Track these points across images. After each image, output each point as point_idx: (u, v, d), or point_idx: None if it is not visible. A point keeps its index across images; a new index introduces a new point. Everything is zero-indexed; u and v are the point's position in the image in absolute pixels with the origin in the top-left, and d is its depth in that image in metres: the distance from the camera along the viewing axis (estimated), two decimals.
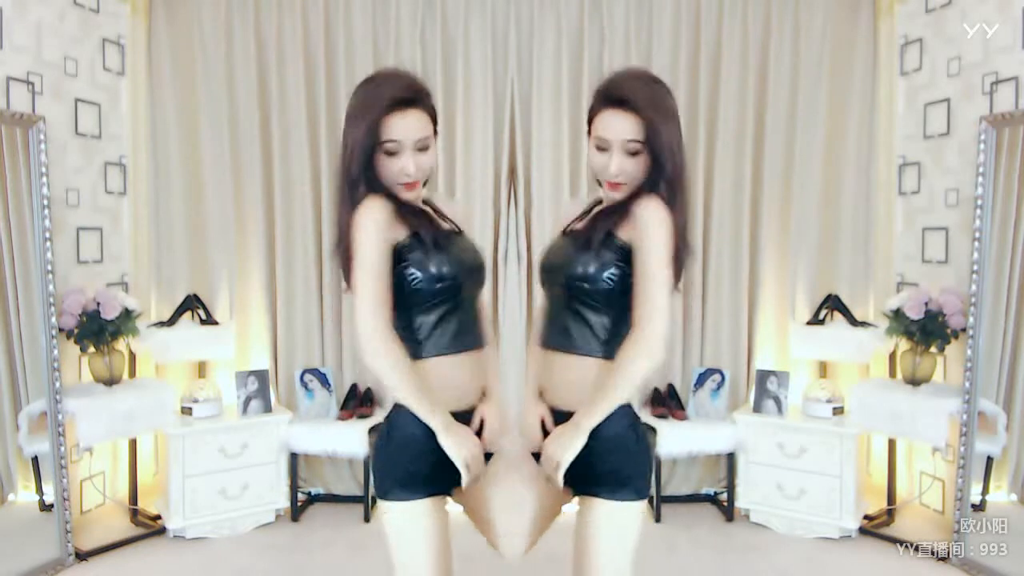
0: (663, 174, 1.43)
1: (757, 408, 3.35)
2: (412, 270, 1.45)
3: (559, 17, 3.49)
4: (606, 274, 1.45)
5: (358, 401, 3.44)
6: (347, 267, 1.46)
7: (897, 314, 3.12)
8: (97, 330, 2.98)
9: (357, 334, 1.39)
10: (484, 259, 1.64)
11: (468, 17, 3.49)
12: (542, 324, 1.61)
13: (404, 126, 1.43)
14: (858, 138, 3.51)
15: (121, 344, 3.15)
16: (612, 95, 1.46)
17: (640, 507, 1.48)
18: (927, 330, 3.01)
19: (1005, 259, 2.82)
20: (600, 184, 1.55)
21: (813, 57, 3.48)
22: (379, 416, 3.39)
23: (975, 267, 2.86)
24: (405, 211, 1.47)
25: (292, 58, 3.48)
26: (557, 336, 1.54)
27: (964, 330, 2.94)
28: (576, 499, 1.54)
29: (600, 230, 1.47)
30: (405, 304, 1.48)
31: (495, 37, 3.51)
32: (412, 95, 1.45)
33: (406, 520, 1.46)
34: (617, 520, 1.45)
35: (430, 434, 1.42)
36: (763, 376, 3.37)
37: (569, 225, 1.65)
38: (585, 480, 1.46)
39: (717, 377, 3.43)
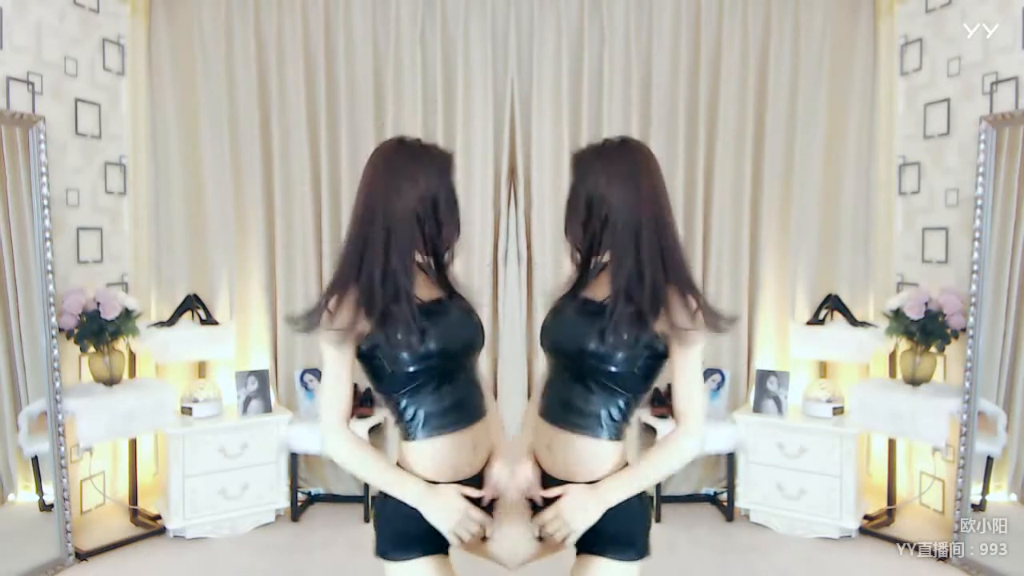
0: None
1: (757, 408, 3.35)
2: (381, 361, 1.41)
3: (559, 17, 3.49)
4: (639, 363, 1.41)
5: (358, 401, 3.44)
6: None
7: (897, 314, 3.12)
8: (97, 330, 2.98)
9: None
10: (477, 324, 1.55)
11: (468, 17, 3.49)
12: (547, 396, 1.53)
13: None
14: (858, 138, 3.51)
15: (121, 344, 3.15)
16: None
17: (637, 569, 1.46)
18: (927, 330, 3.01)
19: (1005, 259, 2.82)
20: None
21: (813, 57, 3.48)
22: (379, 416, 3.40)
23: (975, 267, 2.86)
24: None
25: (292, 58, 3.48)
26: (564, 413, 1.47)
27: (964, 330, 2.94)
28: (575, 555, 1.51)
29: (643, 318, 1.37)
30: (390, 389, 1.45)
31: (495, 37, 3.51)
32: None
33: None
34: None
35: None
36: (763, 376, 3.37)
37: (580, 287, 1.54)
38: (590, 540, 1.43)
39: (717, 377, 3.43)
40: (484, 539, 1.52)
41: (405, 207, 1.38)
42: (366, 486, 3.35)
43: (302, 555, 3.02)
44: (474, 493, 1.45)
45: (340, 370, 1.41)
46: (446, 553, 1.50)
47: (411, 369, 1.41)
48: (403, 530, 1.43)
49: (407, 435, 1.47)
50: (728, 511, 3.36)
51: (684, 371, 1.41)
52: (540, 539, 1.50)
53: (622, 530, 1.43)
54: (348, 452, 1.41)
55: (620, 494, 1.40)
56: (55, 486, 2.84)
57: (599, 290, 1.47)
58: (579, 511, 1.39)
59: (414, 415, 1.45)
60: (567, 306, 1.53)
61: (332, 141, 3.51)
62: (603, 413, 1.44)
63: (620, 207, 1.38)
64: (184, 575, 2.88)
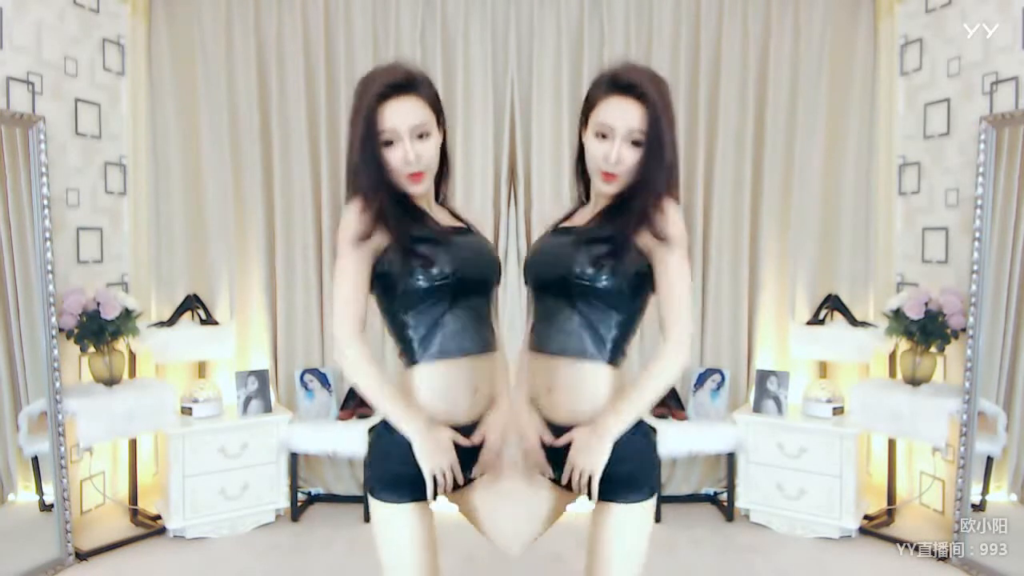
0: (663, 170, 1.39)
1: (757, 408, 3.35)
2: (396, 273, 1.42)
3: (559, 17, 3.49)
4: (621, 277, 1.41)
5: (358, 401, 3.44)
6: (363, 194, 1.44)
7: (897, 314, 3.12)
8: (97, 330, 2.98)
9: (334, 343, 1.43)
10: (495, 258, 1.57)
11: (468, 17, 3.49)
12: (537, 327, 1.53)
13: (398, 113, 1.39)
14: (858, 138, 3.51)
15: (121, 344, 3.15)
16: (620, 82, 1.41)
17: (652, 503, 1.47)
18: (927, 330, 3.01)
19: (1005, 259, 2.82)
20: (579, 181, 1.57)
21: (813, 57, 3.48)
22: (379, 416, 3.39)
23: (975, 267, 2.86)
24: (395, 212, 1.41)
25: (292, 58, 3.48)
26: (559, 340, 1.46)
27: (964, 330, 2.94)
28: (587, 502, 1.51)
29: (617, 230, 1.41)
30: (397, 307, 1.46)
31: (495, 37, 3.51)
32: (405, 81, 1.42)
33: (392, 521, 1.44)
34: (633, 521, 1.44)
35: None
36: (763, 376, 3.37)
37: (561, 222, 1.59)
38: (603, 488, 1.43)
39: (717, 377, 3.43)
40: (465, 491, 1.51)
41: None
42: (366, 486, 3.35)
43: (302, 555, 3.02)
44: (463, 441, 1.44)
45: (357, 281, 1.41)
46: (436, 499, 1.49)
47: (423, 286, 1.41)
48: (396, 472, 1.44)
49: (409, 358, 1.47)
50: (728, 511, 3.36)
51: (666, 276, 1.40)
52: (568, 487, 1.48)
53: (631, 473, 1.43)
54: (362, 366, 1.41)
55: (620, 423, 1.39)
56: (55, 486, 2.84)
57: (577, 219, 1.54)
58: (587, 453, 1.38)
59: (420, 336, 1.45)
60: (546, 240, 1.58)
61: (332, 141, 3.51)
62: (599, 332, 1.45)
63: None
64: (184, 575, 2.88)
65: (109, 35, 3.32)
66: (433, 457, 1.39)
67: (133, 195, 3.45)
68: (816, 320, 3.44)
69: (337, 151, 3.51)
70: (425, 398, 1.46)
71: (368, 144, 1.39)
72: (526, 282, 1.58)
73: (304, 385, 3.43)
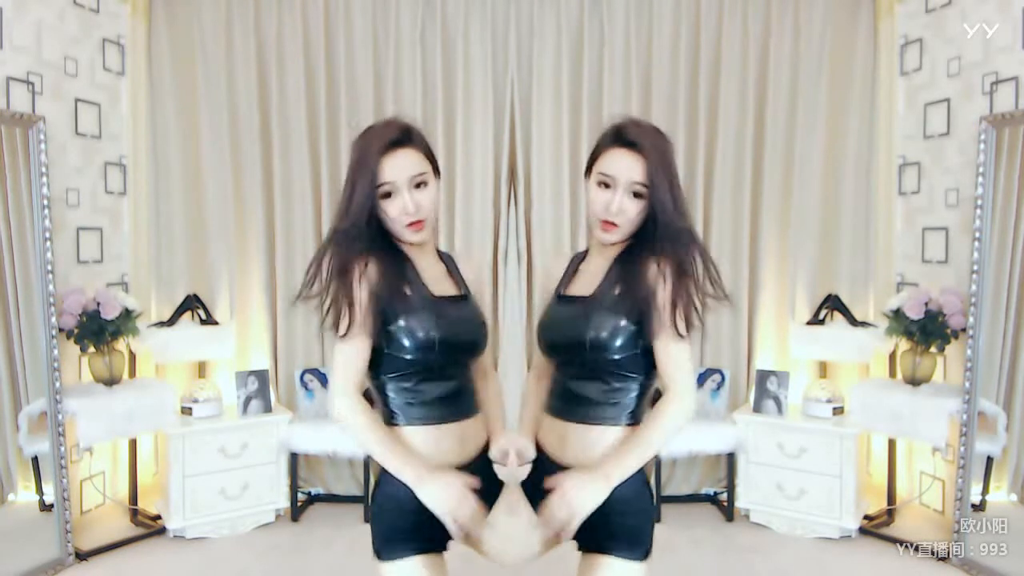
0: (663, 222, 1.40)
1: (757, 408, 3.35)
2: (381, 341, 1.44)
3: (559, 17, 3.49)
4: (639, 343, 1.44)
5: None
6: (335, 311, 1.45)
7: (897, 314, 3.12)
8: (97, 330, 2.98)
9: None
10: (480, 326, 1.56)
11: (468, 17, 3.49)
12: (554, 395, 1.54)
13: (396, 165, 1.42)
14: (858, 138, 3.51)
15: (121, 344, 3.14)
16: (622, 137, 1.44)
17: (645, 567, 1.45)
18: (927, 330, 3.01)
19: (1005, 259, 2.82)
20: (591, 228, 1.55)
21: (813, 57, 3.48)
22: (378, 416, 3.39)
23: (975, 267, 2.86)
24: (391, 272, 1.44)
25: (292, 58, 3.48)
26: (578, 408, 1.48)
27: (964, 330, 2.94)
28: (580, 553, 1.50)
29: (626, 300, 1.43)
30: (380, 371, 1.47)
31: (495, 37, 3.51)
32: (401, 135, 1.44)
33: None
34: None
35: (407, 491, 1.37)
36: (763, 376, 3.37)
37: (565, 287, 1.58)
38: (597, 537, 1.42)
39: (717, 377, 3.43)
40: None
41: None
42: (366, 486, 3.35)
43: (302, 555, 3.02)
44: (473, 482, 1.39)
45: (360, 342, 1.44)
46: (440, 551, 1.48)
47: (406, 357, 1.44)
48: (395, 525, 1.42)
49: (387, 420, 1.48)
50: (728, 511, 3.36)
51: (667, 346, 1.43)
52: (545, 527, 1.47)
53: (632, 527, 1.42)
54: (358, 424, 1.41)
55: (622, 470, 1.37)
56: (55, 486, 2.84)
57: (581, 286, 1.54)
58: (584, 492, 1.34)
59: (401, 402, 1.47)
60: (557, 306, 1.58)
61: (332, 141, 3.51)
62: (619, 403, 1.46)
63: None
64: (184, 575, 2.88)
65: (109, 35, 3.32)
66: (443, 497, 1.34)
67: (133, 195, 3.45)
68: (816, 320, 3.44)
69: (337, 151, 3.51)
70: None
71: (371, 201, 1.41)
72: (539, 346, 1.59)
73: (304, 385, 3.43)
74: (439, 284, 1.53)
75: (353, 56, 3.51)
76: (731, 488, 3.35)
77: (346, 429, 1.42)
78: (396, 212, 1.43)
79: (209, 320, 3.45)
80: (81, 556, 2.89)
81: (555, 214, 3.51)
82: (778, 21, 3.48)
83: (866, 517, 3.22)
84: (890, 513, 3.26)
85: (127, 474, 3.28)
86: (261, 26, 3.49)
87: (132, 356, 3.28)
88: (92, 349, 3.03)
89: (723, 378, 3.42)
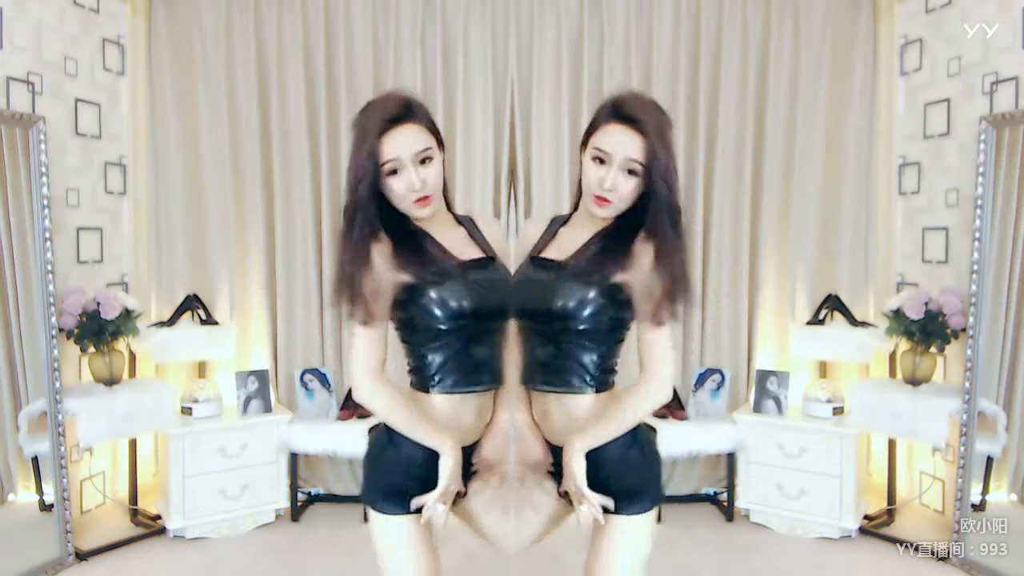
0: (657, 203, 1.39)
1: (757, 408, 3.35)
2: (411, 311, 1.44)
3: (559, 17, 3.49)
4: (606, 316, 1.44)
5: (358, 401, 3.44)
6: (351, 300, 1.42)
7: (897, 314, 3.12)
8: (97, 330, 2.98)
9: (351, 377, 1.47)
10: (509, 291, 1.54)
11: (468, 17, 3.49)
12: (525, 364, 1.54)
13: (400, 142, 1.39)
14: (858, 138, 3.51)
15: (121, 344, 3.14)
16: (621, 111, 1.42)
17: (654, 512, 1.50)
18: (927, 330, 3.01)
19: (1005, 259, 2.82)
20: (575, 194, 1.56)
21: (813, 57, 3.48)
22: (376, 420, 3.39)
23: (975, 267, 2.86)
24: (409, 247, 1.44)
25: (292, 58, 3.48)
26: (544, 375, 1.50)
27: (964, 330, 2.94)
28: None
29: (602, 272, 1.43)
30: (417, 341, 1.48)
31: (495, 37, 3.51)
32: (403, 111, 1.41)
33: (390, 533, 1.47)
34: (634, 532, 1.47)
35: (421, 455, 1.43)
36: (763, 376, 3.37)
37: (539, 250, 1.57)
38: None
39: (717, 377, 3.43)
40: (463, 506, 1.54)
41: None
42: (363, 494, 3.35)
43: (302, 555, 3.02)
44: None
45: (377, 328, 1.44)
46: None
47: (440, 326, 1.43)
48: (399, 486, 1.45)
49: (421, 386, 1.49)
50: (728, 511, 3.36)
51: (651, 332, 1.44)
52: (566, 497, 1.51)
53: (630, 486, 1.46)
54: (383, 402, 1.45)
55: (587, 443, 1.41)
56: (55, 486, 2.84)
57: (557, 251, 1.52)
58: (568, 470, 1.41)
59: (436, 369, 1.47)
60: (529, 270, 1.56)
61: (332, 141, 3.51)
62: (579, 370, 1.47)
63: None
64: (184, 575, 2.88)
65: (109, 35, 3.32)
66: (455, 476, 1.41)
67: (133, 195, 3.45)
68: (816, 320, 3.44)
69: (337, 151, 3.51)
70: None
71: (376, 179, 1.39)
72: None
73: (304, 385, 3.43)
74: (462, 249, 1.51)
75: (353, 56, 3.51)
76: (731, 488, 3.35)
77: (372, 411, 1.47)
78: (403, 189, 1.41)
79: (209, 320, 3.45)
80: (81, 556, 2.90)
81: (555, 214, 3.50)
82: (778, 21, 3.48)
83: (866, 517, 3.22)
84: (890, 513, 3.26)
85: (127, 474, 3.28)
86: (261, 26, 3.49)
87: (132, 356, 3.28)
88: (92, 349, 3.03)
89: (723, 378, 3.43)
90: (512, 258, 1.64)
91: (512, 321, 1.54)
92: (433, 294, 1.42)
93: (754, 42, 3.49)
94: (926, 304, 3.03)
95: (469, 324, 1.45)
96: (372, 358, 1.45)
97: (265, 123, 3.52)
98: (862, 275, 3.54)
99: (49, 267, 2.81)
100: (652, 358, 1.45)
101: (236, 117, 3.49)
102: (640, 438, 1.51)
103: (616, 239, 1.46)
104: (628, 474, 1.46)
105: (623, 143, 1.39)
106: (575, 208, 1.61)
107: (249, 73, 3.47)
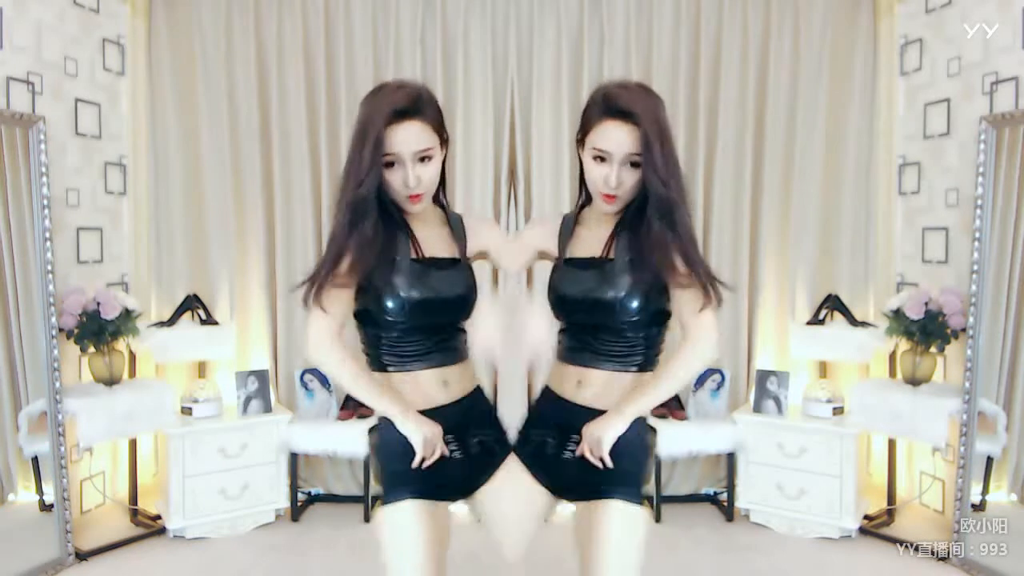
0: (661, 191, 1.41)
1: (757, 408, 3.35)
2: (367, 297, 1.50)
3: (559, 17, 3.49)
4: (653, 304, 1.50)
5: (358, 401, 3.44)
6: (329, 270, 1.49)
7: (897, 314, 3.12)
8: (97, 330, 2.98)
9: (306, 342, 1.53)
10: (463, 294, 1.57)
11: (468, 17, 3.49)
12: (568, 345, 1.58)
13: (402, 138, 1.41)
14: (858, 138, 3.51)
15: (121, 344, 3.14)
16: (613, 106, 1.42)
17: (646, 512, 1.53)
18: (927, 330, 3.01)
19: (1005, 259, 2.82)
20: (581, 189, 1.60)
21: (813, 57, 3.48)
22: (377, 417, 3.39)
23: (975, 267, 2.86)
24: (383, 241, 1.47)
25: (292, 58, 3.48)
26: (593, 358, 1.54)
27: (964, 330, 2.93)
28: (580, 504, 1.56)
29: (644, 263, 1.47)
30: (370, 323, 1.53)
31: (495, 37, 3.51)
32: (411, 106, 1.42)
33: (393, 520, 1.48)
34: (631, 519, 1.48)
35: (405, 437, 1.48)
36: (763, 376, 3.37)
37: (569, 251, 1.61)
38: (599, 482, 1.49)
39: (717, 377, 3.43)
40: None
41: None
42: (366, 486, 3.35)
43: (302, 555, 3.02)
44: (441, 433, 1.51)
45: (342, 294, 1.49)
46: (438, 499, 1.53)
47: (387, 317, 1.49)
48: (394, 470, 1.50)
49: (375, 366, 1.56)
50: (728, 511, 3.36)
51: (697, 313, 1.49)
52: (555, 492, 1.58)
53: (630, 470, 1.50)
54: (337, 361, 1.50)
55: (638, 408, 1.49)
56: (55, 486, 2.84)
57: (587, 249, 1.57)
58: (597, 422, 1.48)
59: (386, 354, 1.53)
60: (569, 268, 1.59)
61: (332, 141, 3.51)
62: (629, 352, 1.52)
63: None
64: (184, 575, 2.88)
65: (109, 35, 3.32)
66: (419, 429, 1.47)
67: (133, 195, 3.45)
68: (816, 320, 3.44)
69: (337, 151, 3.51)
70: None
71: (377, 167, 1.42)
72: (552, 306, 1.60)
73: (304, 385, 3.43)
74: (433, 246, 1.56)
75: (353, 56, 3.51)
76: (731, 488, 3.35)
77: (326, 372, 1.54)
78: (398, 184, 1.45)
79: (209, 320, 3.45)
80: (81, 556, 2.89)
81: (554, 212, 3.50)
82: (778, 21, 3.48)
83: (866, 517, 3.22)
84: (890, 513, 3.26)
85: (127, 474, 3.28)
86: (261, 26, 3.49)
87: (132, 356, 3.28)
88: (92, 349, 3.03)
89: (723, 378, 3.42)
90: (512, 254, 1.69)
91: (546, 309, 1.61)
92: (385, 284, 1.47)
93: (754, 42, 3.49)
94: (926, 304, 3.03)
95: (412, 317, 1.49)
96: (327, 325, 1.49)
97: (265, 123, 3.52)
98: (862, 275, 3.54)
99: (49, 267, 2.81)
100: (695, 327, 1.50)
101: (236, 117, 3.49)
102: (647, 430, 1.58)
103: (638, 229, 1.48)
104: (633, 458, 1.51)
105: (620, 140, 1.41)
106: (581, 203, 1.65)
107: (249, 73, 3.47)
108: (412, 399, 1.53)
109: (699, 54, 3.50)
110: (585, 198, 1.62)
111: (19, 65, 2.86)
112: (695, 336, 1.50)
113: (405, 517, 1.46)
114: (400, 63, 3.49)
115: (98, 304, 3.00)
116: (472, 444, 1.57)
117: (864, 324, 3.37)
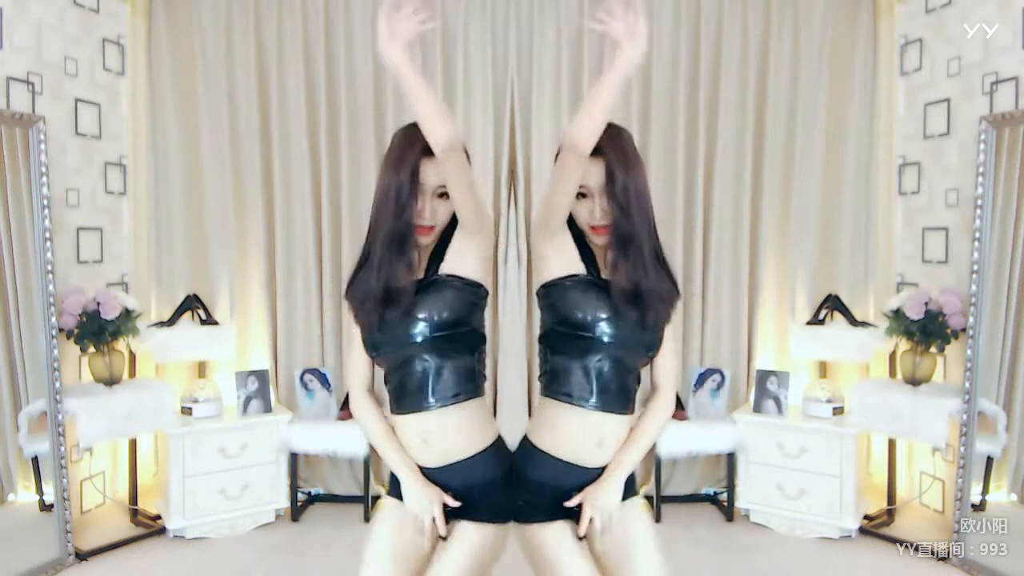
0: (620, 220, 1.45)
1: (757, 408, 3.35)
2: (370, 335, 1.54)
3: (559, 17, 3.49)
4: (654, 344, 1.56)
5: None
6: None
7: (897, 314, 3.12)
8: (97, 330, 2.98)
9: None
10: (445, 315, 1.51)
11: (468, 17, 3.49)
12: (570, 379, 1.51)
13: (429, 172, 1.45)
14: (858, 138, 3.51)
15: (121, 344, 3.14)
16: None
17: (640, 499, 1.65)
18: (927, 330, 3.01)
19: (1005, 259, 2.82)
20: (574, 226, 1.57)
21: (813, 57, 3.48)
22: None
23: (975, 267, 2.86)
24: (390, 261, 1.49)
25: (292, 58, 3.48)
26: (606, 400, 1.50)
27: (964, 330, 2.94)
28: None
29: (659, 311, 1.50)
30: (377, 362, 1.60)
31: (495, 37, 3.51)
32: None
33: (387, 511, 1.59)
34: (644, 508, 1.62)
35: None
36: (763, 376, 3.37)
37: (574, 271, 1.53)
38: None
39: (717, 377, 3.43)
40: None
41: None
42: (366, 486, 3.36)
43: (302, 555, 3.02)
44: (451, 502, 1.51)
45: (361, 347, 1.57)
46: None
47: (372, 354, 1.55)
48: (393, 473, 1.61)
49: (390, 408, 1.61)
50: (728, 511, 3.36)
51: (666, 345, 1.57)
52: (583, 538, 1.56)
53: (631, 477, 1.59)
54: (364, 416, 1.61)
55: (628, 471, 1.55)
56: (55, 486, 2.84)
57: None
58: (607, 496, 1.51)
59: (390, 392, 1.57)
60: (589, 289, 1.51)
61: (332, 141, 3.51)
62: (632, 394, 1.56)
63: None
64: (184, 575, 2.88)
65: (109, 35, 3.32)
66: (419, 501, 1.51)
67: (133, 195, 3.45)
68: (816, 320, 3.44)
69: (337, 151, 3.51)
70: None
71: (410, 197, 1.44)
72: (553, 326, 1.55)
73: (304, 385, 3.43)
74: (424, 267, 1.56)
75: (353, 56, 3.51)
76: (731, 488, 3.35)
77: (358, 423, 1.64)
78: (412, 213, 1.48)
79: (209, 320, 3.45)
80: (81, 556, 2.89)
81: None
82: (778, 21, 3.48)
83: (866, 517, 3.22)
84: (890, 513, 3.25)
85: (127, 474, 3.28)
86: (261, 26, 3.49)
87: (132, 356, 3.28)
88: (92, 349, 3.03)
89: (723, 378, 3.42)
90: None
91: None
92: (375, 321, 1.50)
93: (754, 42, 3.49)
94: (926, 304, 3.03)
95: (388, 353, 1.52)
96: (362, 373, 1.62)
97: (265, 123, 3.52)
98: (862, 275, 3.54)
99: (49, 267, 2.81)
100: (667, 369, 1.62)
101: (236, 117, 3.49)
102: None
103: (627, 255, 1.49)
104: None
105: (597, 176, 1.45)
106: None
107: (249, 73, 3.47)
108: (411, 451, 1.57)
109: (699, 54, 3.50)
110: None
111: (19, 65, 2.86)
112: (663, 388, 1.63)
113: (386, 510, 1.59)
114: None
115: (98, 304, 3.00)
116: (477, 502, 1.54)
117: (864, 324, 3.37)
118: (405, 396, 1.52)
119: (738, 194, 3.53)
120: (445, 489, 1.52)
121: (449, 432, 1.51)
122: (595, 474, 1.53)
